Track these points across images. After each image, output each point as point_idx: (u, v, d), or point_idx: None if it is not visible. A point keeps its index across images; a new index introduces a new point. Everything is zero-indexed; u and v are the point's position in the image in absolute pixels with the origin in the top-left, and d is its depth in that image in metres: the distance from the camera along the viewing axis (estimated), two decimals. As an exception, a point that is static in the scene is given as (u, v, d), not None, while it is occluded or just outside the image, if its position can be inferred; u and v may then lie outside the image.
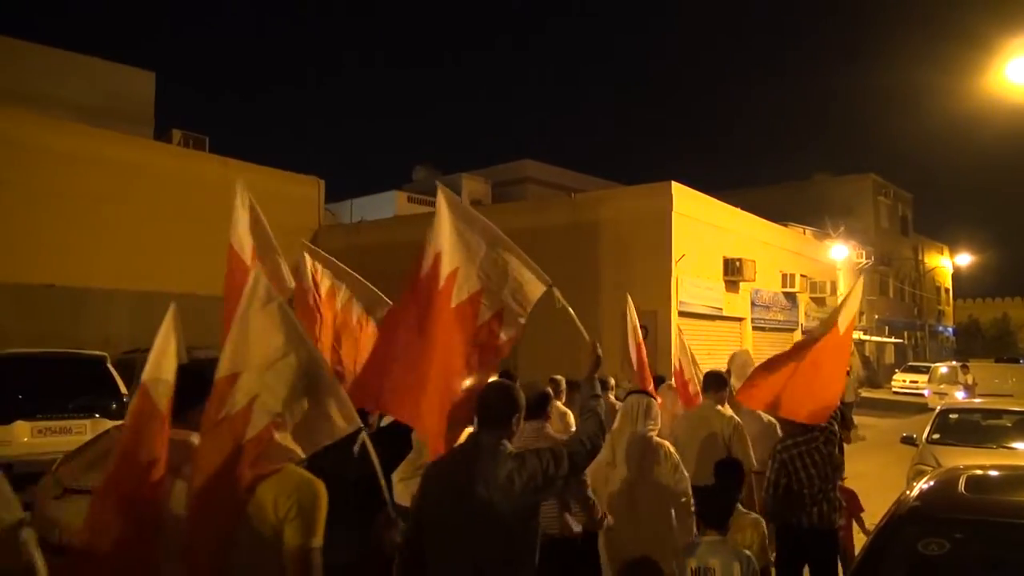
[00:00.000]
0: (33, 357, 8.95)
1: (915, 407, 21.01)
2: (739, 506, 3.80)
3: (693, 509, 3.95)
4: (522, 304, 3.25)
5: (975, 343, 46.67)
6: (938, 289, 47.21)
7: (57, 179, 14.99)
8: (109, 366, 9.30)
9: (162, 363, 2.39)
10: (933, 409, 12.21)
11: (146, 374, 2.37)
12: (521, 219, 17.56)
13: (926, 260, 43.31)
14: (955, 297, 51.92)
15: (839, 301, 5.75)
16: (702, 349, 13.05)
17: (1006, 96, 19.02)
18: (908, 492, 3.69)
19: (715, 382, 5.55)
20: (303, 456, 2.38)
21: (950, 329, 49.11)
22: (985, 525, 3.16)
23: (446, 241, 3.15)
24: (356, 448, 2.72)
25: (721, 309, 16.95)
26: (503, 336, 3.18)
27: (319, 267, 4.78)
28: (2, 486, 1.96)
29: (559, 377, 5.98)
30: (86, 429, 8.30)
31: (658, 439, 4.29)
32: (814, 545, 4.38)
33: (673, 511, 4.06)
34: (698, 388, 6.60)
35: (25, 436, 8.21)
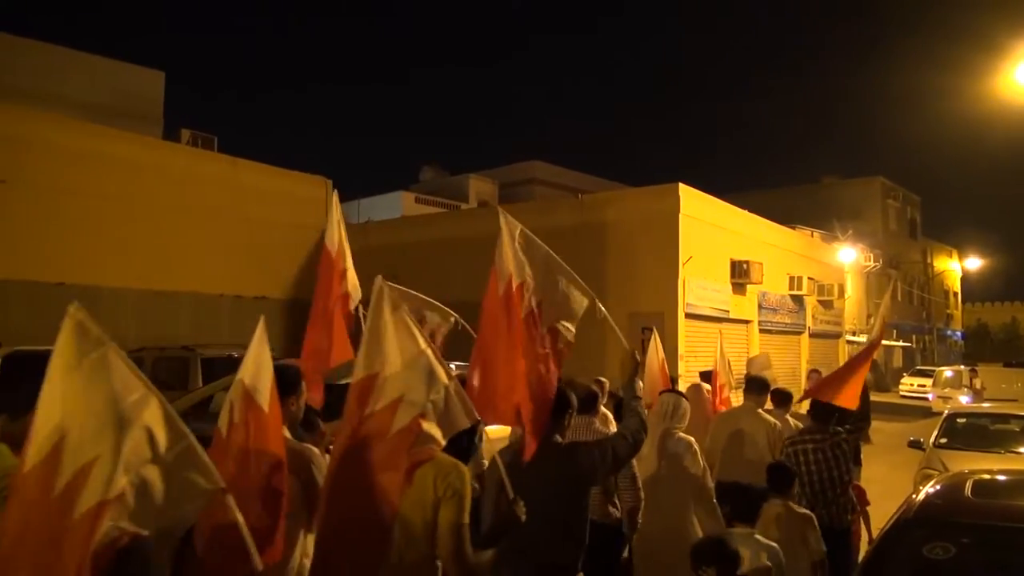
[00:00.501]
0: (43, 354, 8.99)
1: (922, 411, 20.91)
2: (776, 501, 4.00)
3: (715, 500, 4.29)
4: (573, 315, 3.68)
5: (984, 347, 46.46)
6: (947, 293, 46.99)
7: (66, 178, 15.07)
8: (117, 364, 9.36)
9: (260, 372, 2.62)
10: (938, 413, 12.15)
11: (247, 380, 2.60)
12: (528, 220, 17.40)
13: (935, 263, 43.11)
14: (964, 301, 51.66)
15: (880, 310, 6.20)
16: (708, 352, 13.01)
17: (1015, 99, 18.96)
18: (914, 496, 3.68)
19: (757, 387, 5.92)
20: (443, 442, 2.65)
21: (959, 333, 48.88)
22: (991, 529, 3.15)
23: (510, 261, 3.60)
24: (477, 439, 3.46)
25: (728, 311, 16.91)
26: (560, 344, 3.54)
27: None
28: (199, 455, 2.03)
29: (604, 379, 6.15)
30: (94, 427, 8.37)
31: (684, 435, 4.60)
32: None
33: (694, 501, 4.42)
34: (731, 391, 7.24)
35: (34, 433, 8.28)
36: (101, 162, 15.64)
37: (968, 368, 21.93)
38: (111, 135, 16.30)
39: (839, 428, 4.89)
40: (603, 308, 3.75)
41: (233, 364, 10.72)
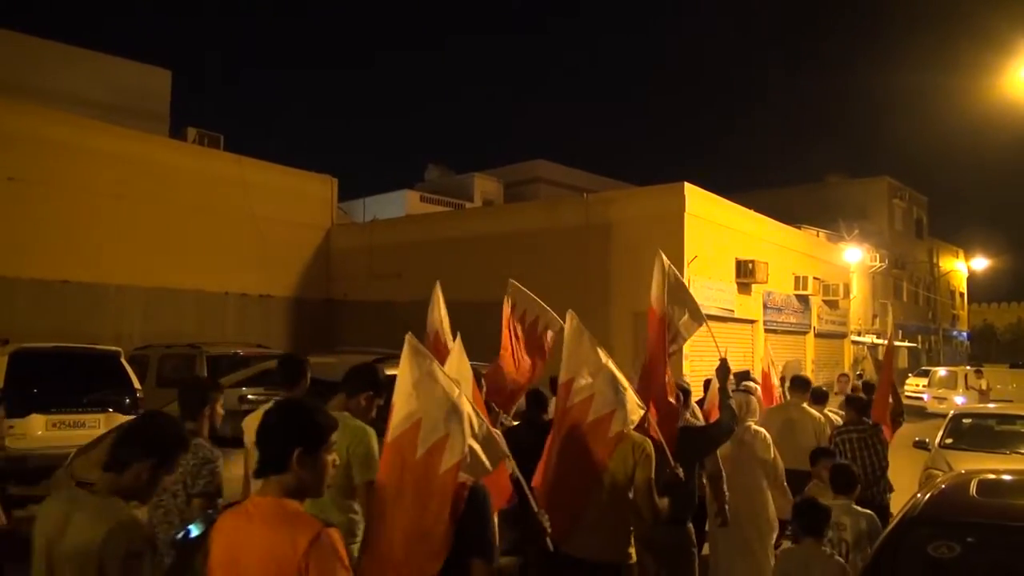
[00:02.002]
0: (48, 352, 9.05)
1: (919, 412, 20.78)
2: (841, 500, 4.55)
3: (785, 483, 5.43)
4: (687, 333, 5.19)
5: (990, 347, 46.30)
6: (952, 293, 46.83)
7: (73, 176, 15.13)
8: (123, 361, 9.40)
9: (461, 373, 3.52)
10: (933, 414, 12.05)
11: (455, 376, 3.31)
12: (533, 219, 17.59)
13: (941, 264, 42.96)
14: (970, 301, 51.48)
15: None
16: (713, 352, 12.97)
17: (1022, 98, 18.90)
18: (920, 495, 3.68)
19: (801, 384, 7.02)
20: (628, 429, 3.76)
21: (965, 333, 48.71)
22: (996, 529, 3.15)
23: (659, 298, 5.09)
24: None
25: (733, 311, 16.89)
26: (672, 348, 5.03)
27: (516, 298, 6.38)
28: (491, 432, 3.03)
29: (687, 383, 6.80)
30: (100, 423, 8.40)
31: (757, 427, 5.58)
32: None
33: (767, 482, 5.39)
34: (781, 389, 8.09)
35: (40, 430, 8.31)
36: (107, 160, 15.69)
37: (973, 368, 21.77)
38: (117, 133, 16.36)
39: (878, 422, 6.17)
40: (711, 328, 5.35)
41: (238, 361, 10.76)
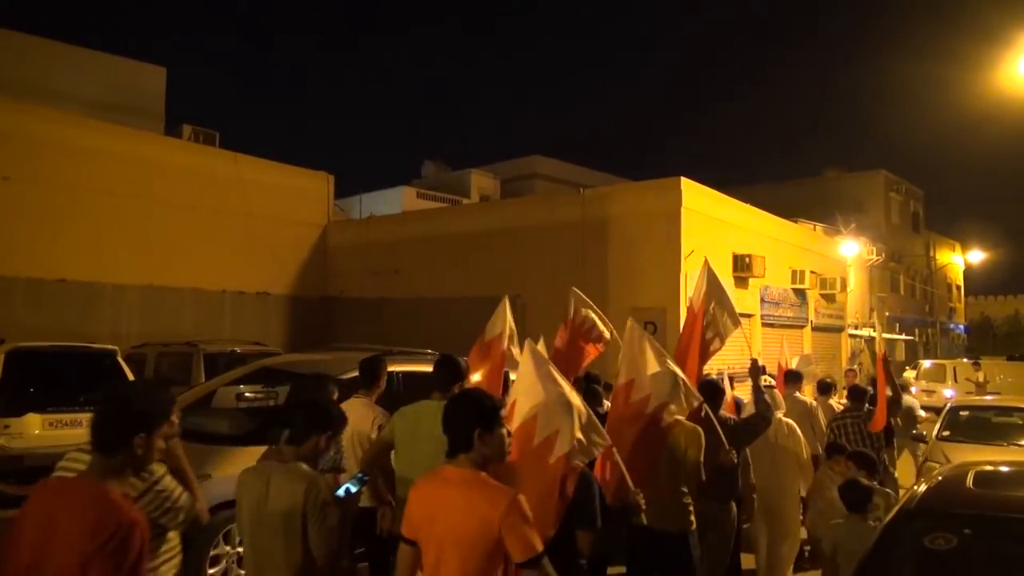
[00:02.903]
0: (45, 351, 9.04)
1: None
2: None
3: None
4: (726, 333, 5.79)
5: (987, 340, 46.38)
6: (949, 286, 46.86)
7: (68, 174, 15.07)
8: (119, 360, 9.39)
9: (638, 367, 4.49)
10: (925, 407, 12.02)
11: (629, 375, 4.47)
12: (530, 215, 17.56)
13: (938, 257, 42.99)
14: (967, 294, 51.52)
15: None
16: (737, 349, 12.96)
17: (1018, 92, 18.89)
18: (916, 487, 3.68)
19: (794, 378, 8.30)
20: (681, 417, 4.45)
21: (962, 326, 48.78)
22: (992, 520, 3.15)
23: (700, 299, 5.81)
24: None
25: (730, 305, 16.91)
26: (712, 347, 5.80)
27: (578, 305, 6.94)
28: (596, 422, 3.66)
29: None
30: (97, 422, 8.38)
31: (785, 419, 6.33)
32: None
33: (796, 466, 6.18)
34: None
35: (37, 429, 8.30)
36: (103, 158, 15.64)
37: (971, 361, 21.76)
38: (113, 131, 16.30)
39: (872, 407, 6.98)
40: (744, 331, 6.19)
41: (235, 360, 10.76)
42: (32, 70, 18.60)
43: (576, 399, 3.48)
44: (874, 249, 30.46)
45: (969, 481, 3.55)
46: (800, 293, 20.90)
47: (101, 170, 15.58)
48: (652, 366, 4.38)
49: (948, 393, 17.83)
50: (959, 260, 46.47)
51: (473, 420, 2.64)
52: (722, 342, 5.80)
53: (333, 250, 20.25)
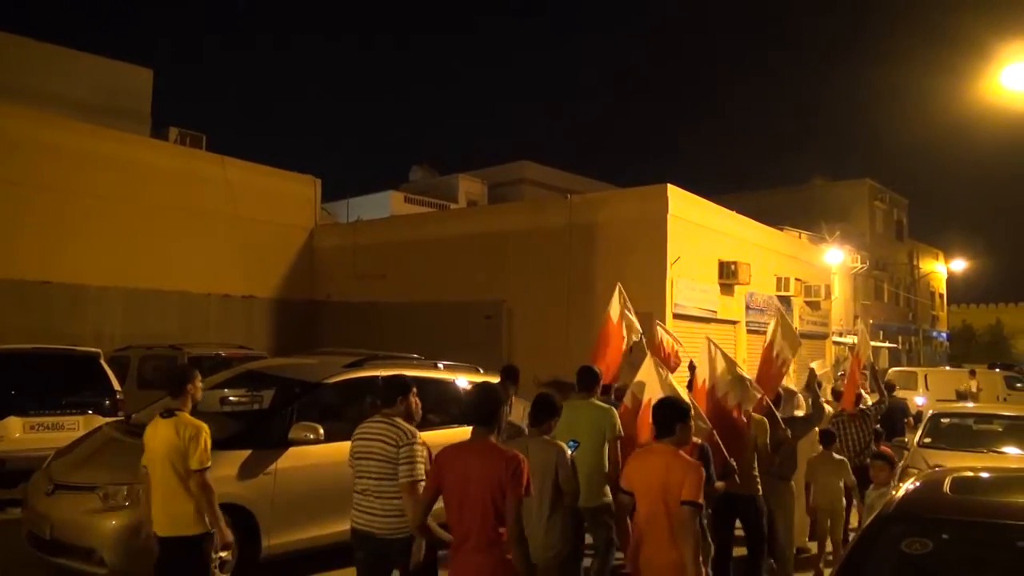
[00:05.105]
0: (27, 353, 8.95)
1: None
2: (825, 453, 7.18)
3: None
4: (791, 355, 7.40)
5: (969, 348, 46.80)
6: (932, 294, 47.31)
7: (53, 176, 14.96)
8: (103, 363, 9.31)
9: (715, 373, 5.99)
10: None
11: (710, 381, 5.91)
12: (517, 220, 17.59)
13: (921, 265, 43.40)
14: (949, 302, 52.02)
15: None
16: (695, 351, 13.04)
17: (1002, 102, 19.08)
18: (894, 493, 3.72)
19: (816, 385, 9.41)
20: (750, 410, 5.76)
21: (944, 334, 49.23)
22: (969, 525, 3.19)
23: (776, 342, 7.38)
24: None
25: (715, 312, 16.98)
26: (783, 369, 7.40)
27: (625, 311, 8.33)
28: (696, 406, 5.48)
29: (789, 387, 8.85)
30: (79, 425, 8.30)
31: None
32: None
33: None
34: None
35: (18, 432, 8.22)
36: (88, 160, 15.54)
37: (967, 369, 21.59)
38: (98, 133, 16.21)
39: (863, 408, 8.35)
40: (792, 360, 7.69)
41: (220, 363, 10.69)
42: (16, 71, 18.44)
43: (746, 376, 5.99)
44: (858, 257, 30.73)
45: (946, 486, 3.59)
46: (785, 300, 21.01)
47: (86, 172, 15.48)
48: (732, 367, 5.84)
49: (920, 400, 17.94)
50: (942, 269, 46.90)
51: (495, 406, 3.56)
52: (789, 365, 7.36)
53: (320, 254, 20.19)
